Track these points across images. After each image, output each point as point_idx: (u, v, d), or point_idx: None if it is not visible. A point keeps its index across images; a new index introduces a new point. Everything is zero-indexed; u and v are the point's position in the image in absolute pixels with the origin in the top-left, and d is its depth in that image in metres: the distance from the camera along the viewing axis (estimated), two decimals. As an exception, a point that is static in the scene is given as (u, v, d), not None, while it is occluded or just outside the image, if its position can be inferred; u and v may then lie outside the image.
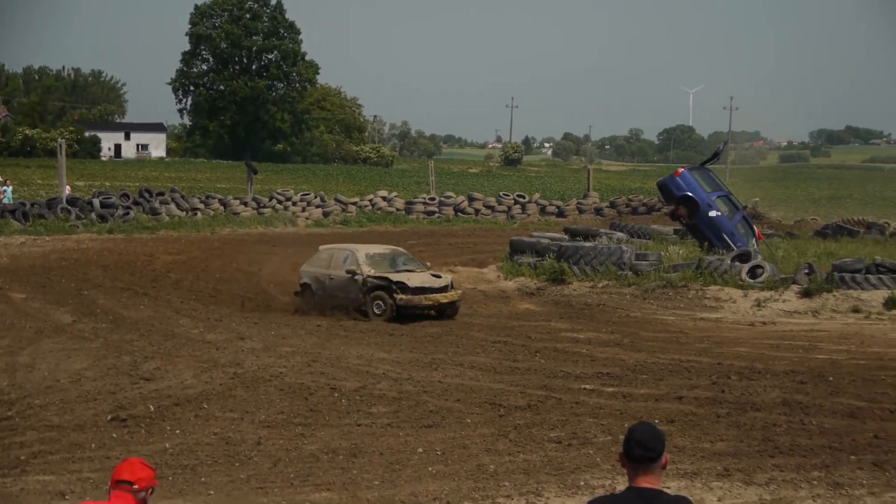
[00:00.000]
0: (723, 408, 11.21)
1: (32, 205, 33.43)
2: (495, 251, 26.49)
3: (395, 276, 17.78)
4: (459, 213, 41.20)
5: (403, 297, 17.47)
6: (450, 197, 42.39)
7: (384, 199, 41.36)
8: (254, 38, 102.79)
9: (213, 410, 11.09)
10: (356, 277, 18.06)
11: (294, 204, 38.60)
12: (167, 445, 9.82)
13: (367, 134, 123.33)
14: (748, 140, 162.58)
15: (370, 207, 40.36)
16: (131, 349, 14.33)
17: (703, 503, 8.26)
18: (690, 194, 23.59)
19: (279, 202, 38.39)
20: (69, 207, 33.13)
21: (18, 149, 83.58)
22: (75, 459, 9.39)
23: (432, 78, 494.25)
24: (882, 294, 18.32)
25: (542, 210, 42.68)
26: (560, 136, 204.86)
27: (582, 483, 8.71)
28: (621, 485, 4.74)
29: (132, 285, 20.86)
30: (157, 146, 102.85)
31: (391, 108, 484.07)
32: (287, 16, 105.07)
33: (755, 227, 25.50)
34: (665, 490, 3.99)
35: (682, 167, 25.52)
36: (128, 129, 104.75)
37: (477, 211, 41.64)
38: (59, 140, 42.45)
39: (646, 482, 3.92)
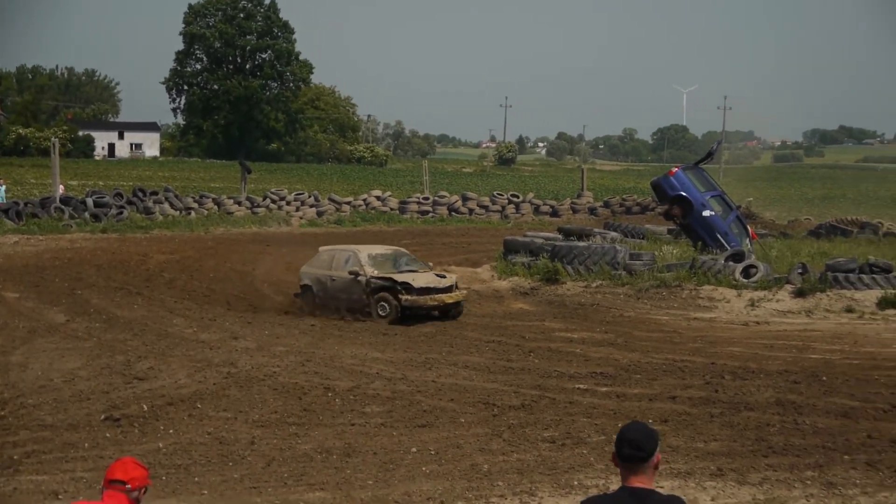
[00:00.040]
0: (716, 407, 11.23)
1: (26, 204, 33.25)
2: (489, 251, 26.51)
3: (399, 277, 17.53)
4: (453, 213, 41.21)
5: (408, 297, 17.24)
6: (444, 196, 42.37)
7: (378, 198, 41.38)
8: (248, 37, 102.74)
9: (207, 410, 11.08)
10: (359, 278, 17.79)
11: (288, 203, 38.56)
12: (161, 445, 9.81)
13: (361, 133, 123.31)
14: (742, 140, 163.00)
15: (364, 207, 40.34)
16: (125, 349, 14.30)
17: (697, 503, 8.26)
18: (684, 194, 23.63)
19: (273, 202, 38.34)
20: (63, 207, 32.99)
21: (12, 148, 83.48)
22: (69, 459, 9.39)
23: (426, 77, 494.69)
24: (875, 294, 18.36)
25: (536, 210, 42.70)
26: (554, 135, 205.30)
27: (575, 483, 8.72)
28: (615, 484, 4.75)
29: (126, 285, 20.81)
30: (151, 145, 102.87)
31: (385, 108, 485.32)
32: (281, 15, 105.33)
33: (749, 227, 25.55)
34: (658, 490, 4.00)
35: (676, 167, 25.60)
36: (121, 129, 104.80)
37: (471, 210, 41.65)
38: (53, 139, 42.42)
39: (638, 482, 3.92)
